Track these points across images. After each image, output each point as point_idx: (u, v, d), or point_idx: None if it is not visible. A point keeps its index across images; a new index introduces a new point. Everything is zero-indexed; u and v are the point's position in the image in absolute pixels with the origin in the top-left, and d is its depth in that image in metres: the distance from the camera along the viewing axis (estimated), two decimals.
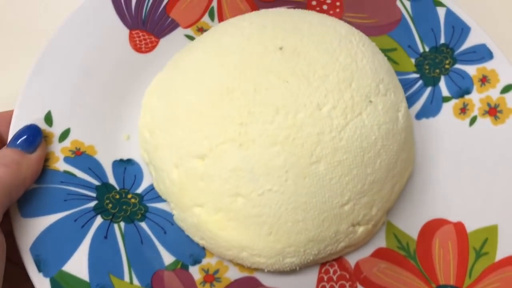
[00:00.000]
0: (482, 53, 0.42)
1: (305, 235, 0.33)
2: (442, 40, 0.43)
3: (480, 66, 0.42)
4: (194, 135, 0.33)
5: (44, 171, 0.35)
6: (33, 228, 0.33)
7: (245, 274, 0.36)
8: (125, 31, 0.41)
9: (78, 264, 0.33)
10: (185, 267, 0.35)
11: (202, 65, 0.35)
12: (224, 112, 0.33)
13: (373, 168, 0.34)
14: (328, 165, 0.32)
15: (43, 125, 0.36)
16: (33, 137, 0.34)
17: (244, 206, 0.33)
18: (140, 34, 0.42)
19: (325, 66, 0.34)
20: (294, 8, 0.42)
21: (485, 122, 0.41)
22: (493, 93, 0.41)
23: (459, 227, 0.37)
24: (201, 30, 0.43)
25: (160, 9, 0.42)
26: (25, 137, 0.33)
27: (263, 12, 0.38)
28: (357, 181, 0.33)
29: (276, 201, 0.33)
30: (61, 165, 0.36)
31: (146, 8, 0.42)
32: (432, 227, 0.38)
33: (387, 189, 0.36)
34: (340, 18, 0.43)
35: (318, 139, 0.32)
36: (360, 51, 0.36)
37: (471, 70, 0.42)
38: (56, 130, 0.37)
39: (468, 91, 0.42)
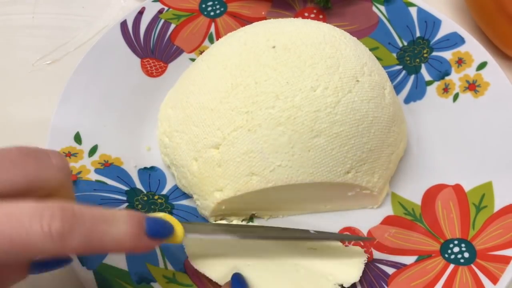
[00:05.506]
0: (454, 40, 0.47)
1: None
2: (418, 34, 0.48)
3: (454, 50, 0.47)
4: (207, 129, 0.38)
5: (78, 182, 0.39)
6: None
7: None
8: (137, 60, 0.47)
9: (117, 257, 0.37)
10: None
11: (208, 72, 0.40)
12: (231, 105, 0.37)
13: (368, 137, 0.38)
14: (327, 137, 0.37)
15: (73, 144, 0.41)
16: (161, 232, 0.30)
17: (259, 183, 0.37)
18: (150, 61, 0.47)
19: (314, 56, 0.38)
20: None
21: (466, 96, 0.45)
22: (470, 71, 0.46)
23: (458, 188, 0.41)
24: None
25: (166, 39, 0.48)
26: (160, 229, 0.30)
27: (253, 24, 0.44)
28: (356, 149, 0.37)
29: (286, 175, 0.36)
30: (92, 176, 0.40)
31: (153, 39, 0.48)
32: (433, 192, 0.41)
33: (384, 158, 0.39)
34: None
35: (316, 116, 0.37)
36: (342, 43, 0.40)
37: (447, 55, 0.47)
38: (85, 147, 0.41)
39: (447, 73, 0.46)
